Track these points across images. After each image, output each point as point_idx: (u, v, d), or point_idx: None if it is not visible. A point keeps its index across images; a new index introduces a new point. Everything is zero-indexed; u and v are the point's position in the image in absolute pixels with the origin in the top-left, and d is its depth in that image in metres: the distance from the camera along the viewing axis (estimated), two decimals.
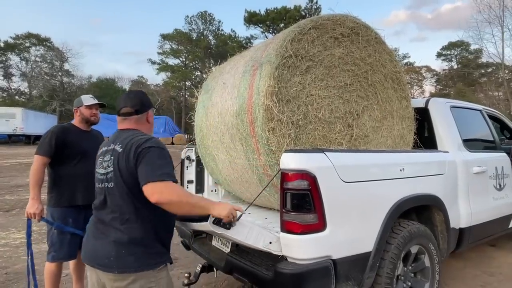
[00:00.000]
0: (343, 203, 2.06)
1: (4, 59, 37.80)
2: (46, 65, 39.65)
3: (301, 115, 2.31)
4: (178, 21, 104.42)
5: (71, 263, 2.83)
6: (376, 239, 2.17)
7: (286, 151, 2.01)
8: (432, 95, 43.27)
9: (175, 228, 1.94)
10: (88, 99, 2.79)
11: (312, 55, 2.41)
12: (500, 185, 3.48)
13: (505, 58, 26.72)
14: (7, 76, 38.38)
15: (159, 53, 43.12)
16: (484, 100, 29.62)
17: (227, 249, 2.46)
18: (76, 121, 2.81)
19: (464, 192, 3.00)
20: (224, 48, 37.67)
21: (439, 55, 48.23)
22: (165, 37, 42.24)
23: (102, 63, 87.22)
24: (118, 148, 1.62)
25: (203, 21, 43.24)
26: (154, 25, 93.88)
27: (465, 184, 3.01)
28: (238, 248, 2.38)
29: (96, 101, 2.82)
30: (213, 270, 2.79)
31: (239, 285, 3.18)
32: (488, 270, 3.66)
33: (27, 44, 38.51)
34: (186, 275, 2.70)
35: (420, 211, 2.76)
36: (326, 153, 2.05)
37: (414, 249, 2.49)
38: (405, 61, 45.66)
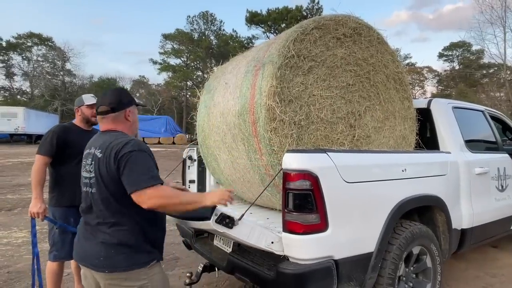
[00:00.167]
0: (345, 204, 2.06)
1: (6, 58, 38.01)
2: (48, 64, 39.88)
3: (303, 115, 2.31)
4: (180, 21, 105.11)
5: (73, 263, 2.84)
6: (378, 240, 2.16)
7: (288, 151, 2.01)
8: (434, 95, 43.18)
9: (176, 228, 1.94)
10: (89, 99, 2.78)
11: (314, 56, 2.40)
12: (502, 186, 3.47)
13: (507, 59, 26.76)
14: (9, 75, 38.58)
15: (160, 53, 43.40)
16: (486, 101, 29.51)
17: (228, 249, 2.46)
18: (77, 121, 2.81)
19: (466, 193, 2.99)
20: (225, 48, 37.75)
21: (440, 55, 48.19)
22: (166, 37, 42.37)
23: (103, 63, 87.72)
24: (98, 154, 1.60)
25: (205, 21, 43.37)
26: (155, 25, 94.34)
27: (467, 185, 3.00)
28: (239, 248, 2.38)
29: None
30: (215, 270, 2.79)
31: (240, 285, 3.18)
32: (490, 272, 3.65)
33: (29, 44, 38.71)
34: (187, 274, 2.70)
35: (422, 211, 2.75)
36: (328, 153, 2.05)
37: (416, 250, 2.49)
38: (407, 61, 45.69)
